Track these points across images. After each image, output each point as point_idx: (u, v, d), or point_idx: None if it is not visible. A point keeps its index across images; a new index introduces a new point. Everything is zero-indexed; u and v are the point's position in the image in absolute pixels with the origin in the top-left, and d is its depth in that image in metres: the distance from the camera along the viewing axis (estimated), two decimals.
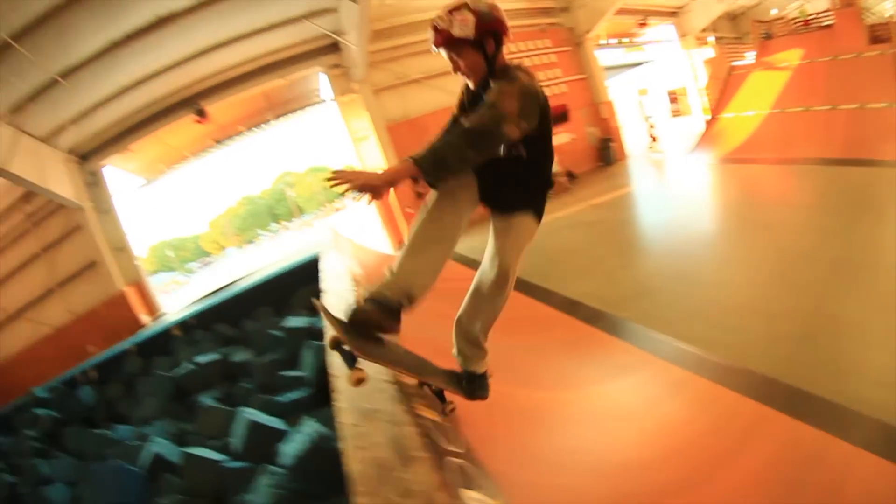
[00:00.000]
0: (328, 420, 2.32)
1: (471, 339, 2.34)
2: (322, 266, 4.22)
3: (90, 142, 13.07)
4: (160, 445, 2.74)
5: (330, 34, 13.04)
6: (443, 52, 2.18)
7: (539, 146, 2.21)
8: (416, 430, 1.42)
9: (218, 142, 15.71)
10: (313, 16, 12.35)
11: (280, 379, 3.11)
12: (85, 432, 4.13)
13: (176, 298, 18.82)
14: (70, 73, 10.40)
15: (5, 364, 15.27)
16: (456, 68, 2.21)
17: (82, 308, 14.04)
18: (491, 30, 2.10)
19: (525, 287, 5.02)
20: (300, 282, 4.63)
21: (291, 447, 2.30)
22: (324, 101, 16.50)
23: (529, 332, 4.15)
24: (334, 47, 13.86)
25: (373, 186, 1.82)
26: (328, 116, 16.49)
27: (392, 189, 1.91)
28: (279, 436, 2.39)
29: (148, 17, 10.10)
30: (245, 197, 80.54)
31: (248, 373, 3.52)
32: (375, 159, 14.55)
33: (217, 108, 13.07)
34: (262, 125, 15.91)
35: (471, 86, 2.31)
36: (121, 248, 13.58)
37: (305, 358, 2.84)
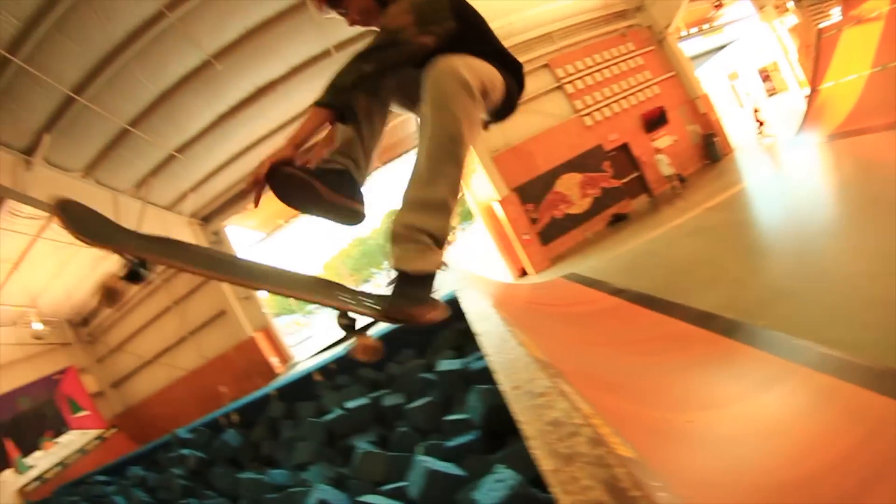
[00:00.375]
0: (512, 466, 2.30)
1: (433, 203, 1.78)
2: (465, 306, 4.21)
3: (209, 205, 14.35)
4: (325, 492, 2.81)
5: None
6: (332, 13, 2.06)
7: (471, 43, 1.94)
8: (625, 471, 1.43)
9: None
10: None
11: (444, 423, 3.10)
12: (235, 474, 4.35)
13: (304, 343, 19.48)
14: (185, 147, 11.60)
15: (143, 403, 17.16)
16: (351, 21, 2.08)
17: (213, 353, 15.42)
18: None
19: (654, 303, 4.88)
20: (440, 323, 4.63)
21: (486, 496, 2.26)
22: None
23: (666, 350, 4.01)
24: None
25: (280, 157, 1.73)
26: None
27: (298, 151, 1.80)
28: (460, 483, 2.36)
29: (248, 88, 10.98)
30: (356, 238, 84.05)
31: (402, 416, 3.55)
32: (486, 191, 14.68)
33: None
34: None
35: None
36: (247, 298, 14.57)
37: (470, 401, 2.81)
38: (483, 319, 3.64)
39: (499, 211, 14.24)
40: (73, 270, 15.42)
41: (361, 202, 2.00)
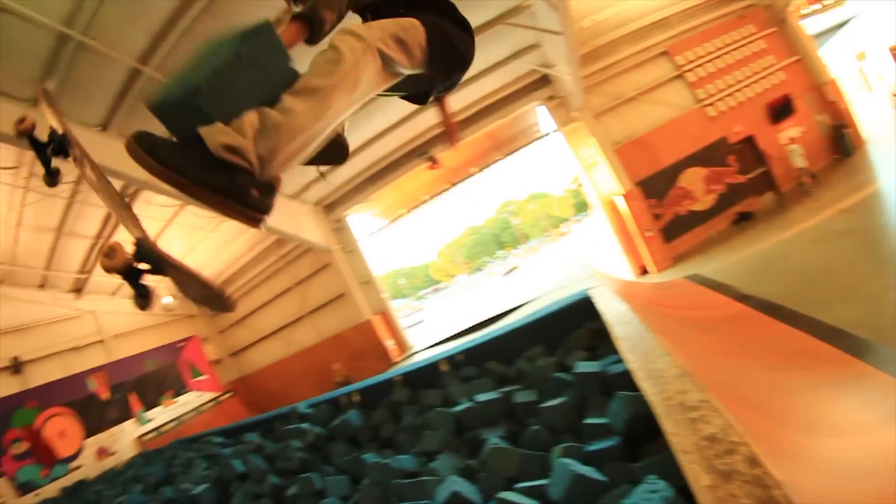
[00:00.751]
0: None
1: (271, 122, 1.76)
2: (599, 306, 4.16)
3: (333, 195, 14.86)
4: (457, 484, 2.86)
5: (539, 69, 13.34)
6: None
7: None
8: (781, 494, 1.41)
9: (452, 184, 16.56)
10: (519, 55, 12.71)
11: (581, 426, 3.08)
12: (355, 454, 4.52)
13: (416, 327, 19.87)
14: None
15: (257, 373, 18.46)
16: None
17: (329, 332, 16.20)
18: None
19: (781, 313, 4.63)
20: (572, 321, 4.55)
21: None
22: (545, 134, 16.67)
23: (794, 367, 3.76)
24: (546, 80, 14.12)
25: None
26: (548, 145, 16.47)
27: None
28: (603, 489, 2.35)
29: None
30: (470, 227, 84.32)
31: (534, 414, 3.54)
32: (608, 184, 14.46)
33: (446, 154, 13.90)
34: (490, 165, 16.41)
35: None
36: (366, 282, 15.15)
37: (612, 406, 2.78)
38: (622, 323, 3.50)
39: (622, 206, 13.92)
40: (202, 251, 16.64)
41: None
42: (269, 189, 1.96)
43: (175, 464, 9.01)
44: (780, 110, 14.74)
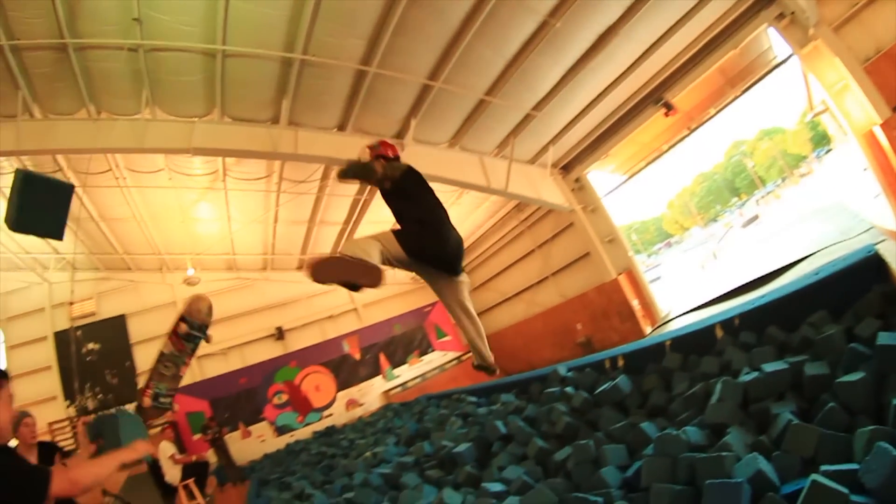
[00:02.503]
0: None
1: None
2: (894, 266, 3.59)
3: (568, 155, 14.69)
4: (761, 462, 2.63)
5: None
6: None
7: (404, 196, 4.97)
8: None
9: (690, 129, 15.43)
10: None
11: (885, 406, 2.69)
12: (629, 422, 4.34)
13: (661, 289, 19.00)
14: (540, 104, 12.06)
15: (499, 333, 19.18)
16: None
17: (572, 292, 16.18)
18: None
19: None
20: (857, 283, 3.96)
21: None
22: (781, 61, 14.61)
23: None
24: None
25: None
26: (778, 74, 14.30)
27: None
28: None
29: (590, 38, 10.80)
30: (700, 174, 77.69)
31: (827, 389, 3.16)
32: (862, 111, 12.11)
33: (680, 97, 12.90)
34: (727, 104, 14.86)
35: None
36: (611, 240, 14.80)
37: None
38: None
39: (882, 138, 11.39)
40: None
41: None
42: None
43: (426, 419, 9.52)
44: None
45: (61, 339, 17.22)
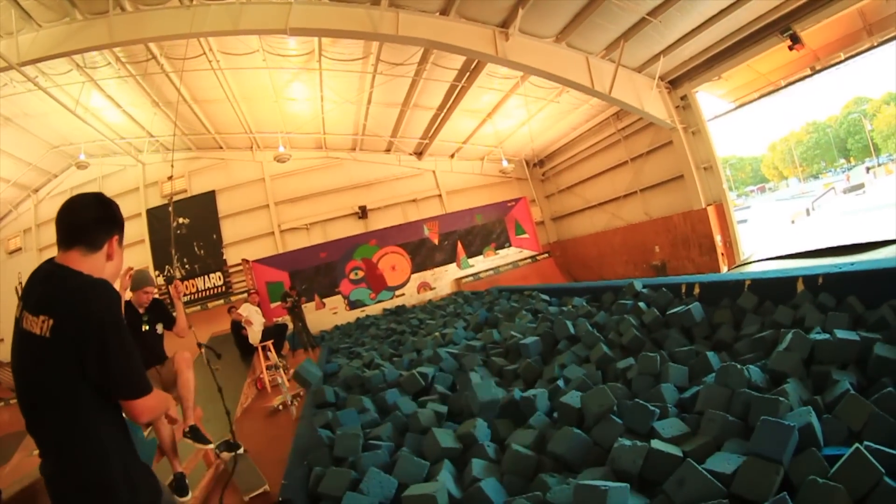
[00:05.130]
0: None
1: None
2: None
3: (679, 69, 13.84)
4: (812, 417, 2.71)
5: None
6: None
7: None
8: None
9: (812, 70, 14.07)
10: None
11: None
12: (694, 349, 4.47)
13: (745, 232, 18.29)
14: (657, 10, 11.10)
15: (575, 240, 19.63)
16: None
17: (658, 213, 15.89)
18: None
19: None
20: None
21: None
22: None
23: None
24: None
25: None
26: None
27: None
28: None
29: None
30: (811, 123, 70.02)
31: (889, 373, 3.15)
32: None
33: (809, 32, 11.72)
34: (860, 51, 13.18)
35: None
36: (707, 168, 14.24)
37: None
38: None
39: None
40: (540, 119, 17.35)
41: None
42: None
43: (496, 310, 9.87)
44: None
45: (153, 215, 18.95)
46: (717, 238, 14.11)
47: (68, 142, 17.44)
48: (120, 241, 1.99)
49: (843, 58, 13.12)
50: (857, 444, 2.30)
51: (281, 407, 7.09)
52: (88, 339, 1.66)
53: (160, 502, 1.93)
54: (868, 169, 50.88)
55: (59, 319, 1.66)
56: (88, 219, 1.90)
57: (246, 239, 19.03)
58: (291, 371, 9.14)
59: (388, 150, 20.31)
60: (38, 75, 12.30)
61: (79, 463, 1.71)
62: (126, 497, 1.75)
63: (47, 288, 1.76)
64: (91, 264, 1.85)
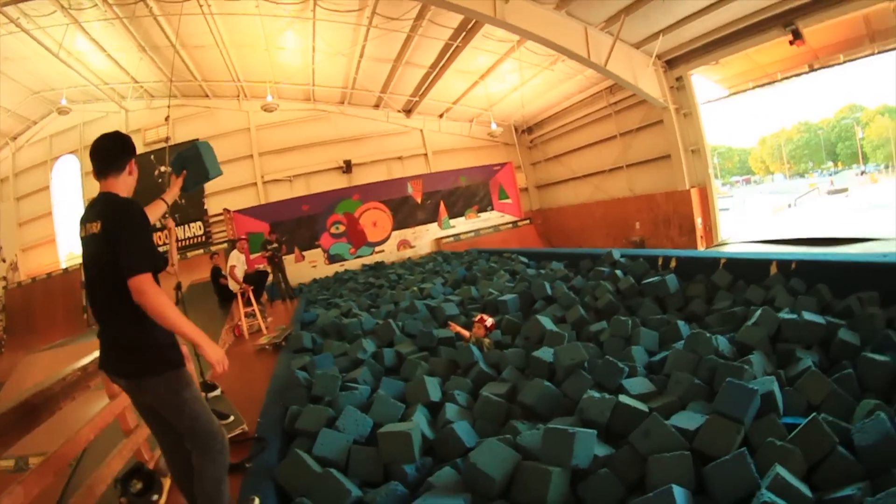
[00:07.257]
0: None
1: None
2: None
3: (677, 50, 13.75)
4: (773, 386, 2.85)
5: None
6: None
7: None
8: None
9: (811, 68, 14.03)
10: None
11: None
12: (665, 317, 4.63)
13: (727, 219, 18.48)
14: None
15: (558, 210, 20.62)
16: None
17: (641, 190, 16.00)
18: None
19: None
20: None
21: None
22: None
23: None
24: None
25: None
26: None
27: None
28: None
29: None
30: (803, 122, 70.28)
31: (848, 356, 3.27)
32: None
33: (812, 30, 11.70)
34: (860, 55, 13.14)
35: None
36: (695, 151, 14.32)
37: None
38: None
39: None
40: (533, 85, 17.20)
41: None
42: None
43: (475, 269, 10.03)
44: None
45: (136, 163, 18.14)
46: (698, 220, 14.29)
47: (49, 87, 16.76)
48: (136, 161, 2.78)
49: (842, 60, 13.15)
50: (814, 414, 2.46)
51: (269, 347, 7.17)
52: (115, 232, 2.30)
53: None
54: (862, 173, 51.41)
55: (104, 221, 2.36)
56: (115, 149, 2.67)
57: (228, 189, 18.59)
58: (269, 320, 9.20)
59: (376, 106, 19.99)
60: (21, 16, 11.90)
61: (121, 328, 2.37)
62: (173, 356, 2.40)
63: (97, 206, 2.47)
64: (122, 182, 2.62)
